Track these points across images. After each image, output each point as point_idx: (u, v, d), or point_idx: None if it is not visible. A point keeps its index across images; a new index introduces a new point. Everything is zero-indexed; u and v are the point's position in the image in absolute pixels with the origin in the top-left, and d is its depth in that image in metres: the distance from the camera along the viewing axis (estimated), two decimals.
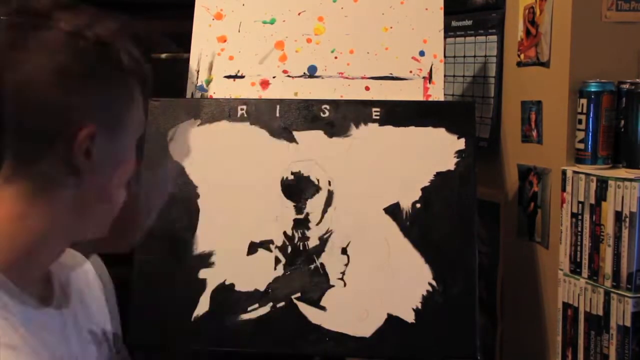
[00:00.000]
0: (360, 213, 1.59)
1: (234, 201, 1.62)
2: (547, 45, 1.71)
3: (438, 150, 1.62)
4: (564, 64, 1.66)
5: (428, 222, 1.58)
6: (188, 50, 1.78)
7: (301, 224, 1.59)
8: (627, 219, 1.48)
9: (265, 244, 1.59)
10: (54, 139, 0.85)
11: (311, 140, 1.63)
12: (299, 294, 1.56)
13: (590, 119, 1.60)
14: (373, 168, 1.61)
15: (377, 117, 1.64)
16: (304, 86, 1.75)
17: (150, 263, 1.58)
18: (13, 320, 0.83)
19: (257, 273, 1.57)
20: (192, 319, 1.55)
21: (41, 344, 0.86)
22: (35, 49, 0.85)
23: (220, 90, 1.76)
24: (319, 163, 1.62)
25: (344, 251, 1.59)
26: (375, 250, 1.59)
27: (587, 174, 1.57)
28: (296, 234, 1.58)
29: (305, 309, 1.55)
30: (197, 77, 1.77)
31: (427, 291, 1.56)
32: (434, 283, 1.56)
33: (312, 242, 1.59)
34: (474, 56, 1.98)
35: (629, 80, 1.60)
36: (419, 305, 1.54)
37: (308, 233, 1.58)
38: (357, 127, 1.64)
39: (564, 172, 1.63)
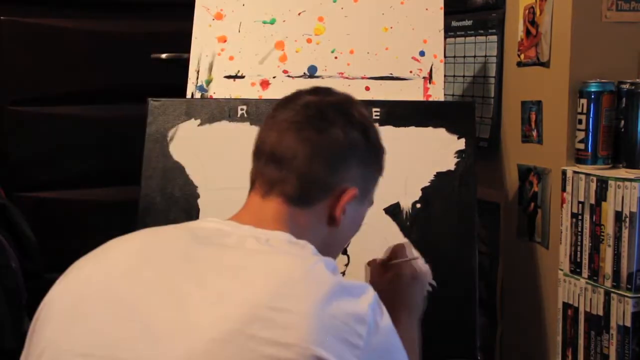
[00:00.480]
0: None
1: (234, 201, 1.61)
2: (547, 45, 1.71)
3: (438, 150, 1.62)
4: (564, 64, 1.66)
5: (428, 222, 1.58)
6: (188, 50, 1.78)
7: None
8: (627, 219, 1.48)
9: None
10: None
11: None
12: None
13: (590, 119, 1.60)
14: None
15: (377, 117, 1.64)
16: (304, 86, 1.72)
17: None
18: None
19: None
20: None
21: None
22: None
23: (220, 90, 1.76)
24: None
25: (344, 251, 1.59)
26: (375, 250, 1.59)
27: (587, 174, 1.57)
28: None
29: None
30: (197, 77, 1.77)
31: (427, 291, 1.56)
32: (434, 283, 1.56)
33: None
34: (474, 56, 1.98)
35: (629, 80, 1.60)
36: None
37: None
38: None
39: (564, 172, 1.63)
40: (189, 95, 1.76)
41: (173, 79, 1.82)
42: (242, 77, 1.77)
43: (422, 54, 1.75)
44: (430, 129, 1.63)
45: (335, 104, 1.13)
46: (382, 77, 1.75)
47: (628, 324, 1.49)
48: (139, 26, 2.18)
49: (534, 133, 1.78)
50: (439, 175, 1.61)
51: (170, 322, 0.90)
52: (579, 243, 1.59)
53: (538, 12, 1.74)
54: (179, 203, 1.61)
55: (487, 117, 1.94)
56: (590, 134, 1.61)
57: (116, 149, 2.15)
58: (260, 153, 1.11)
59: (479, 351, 1.55)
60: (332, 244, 1.13)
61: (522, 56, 1.81)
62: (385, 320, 0.97)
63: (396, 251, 1.35)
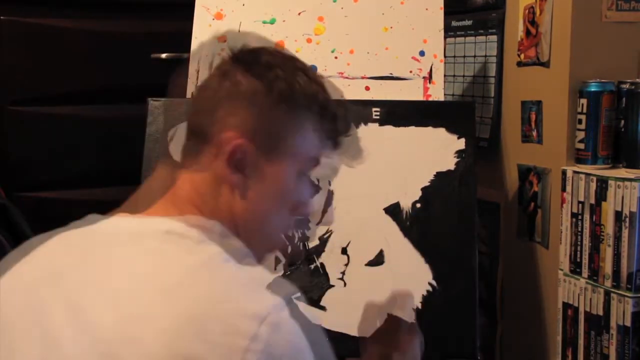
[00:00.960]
0: (360, 213, 1.59)
1: None
2: (547, 45, 1.71)
3: (438, 150, 1.62)
4: (564, 64, 1.66)
5: (428, 222, 1.58)
6: (188, 50, 1.78)
7: (301, 223, 1.59)
8: (627, 219, 1.48)
9: None
10: None
11: None
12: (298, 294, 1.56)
13: (590, 119, 1.60)
14: (373, 168, 1.61)
15: (377, 117, 1.64)
16: None
17: None
18: None
19: None
20: None
21: None
22: None
23: None
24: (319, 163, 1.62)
25: (344, 251, 1.59)
26: (376, 250, 1.59)
27: (587, 174, 1.57)
28: (296, 234, 1.58)
29: (305, 308, 1.54)
30: (197, 77, 1.77)
31: (427, 291, 1.56)
32: (434, 283, 1.56)
33: (312, 242, 1.59)
34: (474, 56, 1.98)
35: (629, 80, 1.60)
36: (419, 305, 1.54)
37: (308, 233, 1.58)
38: (357, 127, 1.64)
39: (564, 172, 1.63)
40: (188, 95, 1.76)
41: (173, 79, 1.82)
42: None
43: (422, 53, 1.75)
44: (430, 129, 1.63)
45: (241, 53, 1.04)
46: (382, 77, 1.75)
47: (628, 324, 1.49)
48: (139, 26, 2.18)
49: (534, 133, 1.78)
50: (439, 175, 1.61)
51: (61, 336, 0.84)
52: (579, 243, 1.59)
53: (538, 12, 1.74)
54: None
55: (487, 117, 1.94)
56: (590, 134, 1.60)
57: (116, 149, 2.15)
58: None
59: (479, 351, 1.55)
60: (249, 221, 0.96)
61: (522, 56, 1.81)
62: (292, 324, 0.86)
63: (400, 302, 1.29)
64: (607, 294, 1.52)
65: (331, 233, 1.59)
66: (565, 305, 1.63)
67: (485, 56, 1.94)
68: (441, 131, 1.63)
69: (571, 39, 1.64)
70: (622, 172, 1.56)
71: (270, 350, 0.81)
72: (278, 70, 0.99)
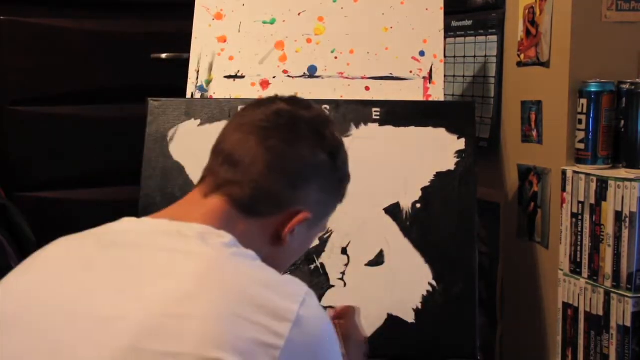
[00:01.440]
0: (360, 213, 1.59)
1: None
2: (547, 45, 1.71)
3: (438, 150, 1.62)
4: (564, 64, 1.66)
5: (428, 222, 1.59)
6: (188, 50, 1.78)
7: None
8: (627, 219, 1.48)
9: None
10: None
11: None
12: None
13: (590, 119, 1.60)
14: (373, 168, 1.61)
15: (377, 117, 1.64)
16: (304, 86, 1.75)
17: None
18: None
19: None
20: None
21: None
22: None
23: (220, 90, 1.76)
24: None
25: (344, 251, 1.59)
26: (376, 250, 1.59)
27: (587, 174, 1.57)
28: None
29: None
30: (197, 77, 1.77)
31: (427, 291, 1.56)
32: (434, 283, 1.56)
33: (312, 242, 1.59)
34: (474, 56, 1.98)
35: (629, 80, 1.60)
36: (419, 305, 1.55)
37: None
38: (357, 127, 1.64)
39: (564, 172, 1.63)
40: (188, 95, 1.76)
41: (173, 79, 1.82)
42: (242, 77, 1.77)
43: (422, 54, 1.75)
44: (430, 129, 1.63)
45: (309, 119, 1.05)
46: (382, 77, 1.75)
47: (628, 324, 1.49)
48: (139, 26, 2.18)
49: (534, 133, 1.78)
50: (439, 175, 1.61)
51: (67, 343, 0.87)
52: (579, 243, 1.59)
53: (538, 12, 1.74)
54: None
55: (487, 117, 1.94)
56: (590, 134, 1.61)
57: (116, 149, 2.15)
58: (219, 151, 1.05)
59: (479, 351, 1.55)
60: (272, 265, 1.01)
61: (522, 56, 1.81)
62: (321, 324, 0.92)
63: (345, 313, 1.31)
64: (607, 294, 1.52)
65: (331, 233, 1.59)
66: (565, 305, 1.63)
67: (485, 56, 1.95)
68: (441, 131, 1.63)
69: (571, 39, 1.64)
70: (622, 172, 1.56)
71: (309, 331, 0.88)
72: (342, 150, 1.09)
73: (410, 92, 1.73)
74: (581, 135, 1.62)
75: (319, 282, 1.57)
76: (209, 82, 1.77)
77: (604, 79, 1.60)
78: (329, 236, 1.59)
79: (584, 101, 1.61)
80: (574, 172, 1.61)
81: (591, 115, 1.60)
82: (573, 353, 1.61)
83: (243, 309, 0.86)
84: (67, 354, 0.87)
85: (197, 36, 1.79)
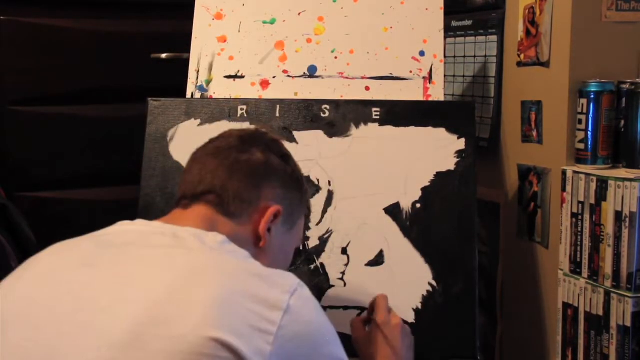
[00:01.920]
0: (360, 213, 1.59)
1: None
2: (547, 45, 1.71)
3: (438, 150, 1.62)
4: (564, 64, 1.66)
5: (428, 222, 1.59)
6: (188, 50, 1.78)
7: None
8: (627, 219, 1.48)
9: None
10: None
11: (311, 140, 1.63)
12: None
13: (590, 119, 1.60)
14: (373, 168, 1.61)
15: (377, 117, 1.64)
16: (304, 86, 1.75)
17: None
18: None
19: None
20: None
21: None
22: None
23: (220, 90, 1.76)
24: (319, 163, 1.62)
25: (344, 251, 1.59)
26: (376, 250, 1.59)
27: (587, 174, 1.57)
28: None
29: None
30: (197, 77, 1.77)
31: (427, 291, 1.56)
32: (434, 283, 1.56)
33: (312, 242, 1.59)
34: (474, 56, 1.98)
35: (629, 80, 1.60)
36: (419, 305, 1.55)
37: (308, 233, 1.58)
38: (357, 127, 1.64)
39: (564, 172, 1.63)
40: (188, 95, 1.76)
41: (173, 79, 1.82)
42: (242, 77, 1.77)
43: (422, 54, 1.75)
44: (430, 128, 1.63)
45: (255, 133, 1.21)
46: (382, 77, 1.75)
47: (628, 324, 1.49)
48: (139, 26, 2.18)
49: (534, 133, 1.78)
50: (439, 175, 1.61)
51: (70, 336, 0.91)
52: (578, 243, 1.59)
53: (538, 12, 1.74)
54: None
55: (487, 117, 1.94)
56: (590, 134, 1.61)
57: (116, 149, 2.15)
58: (187, 181, 1.17)
59: (479, 351, 1.55)
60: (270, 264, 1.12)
61: (522, 56, 1.81)
62: (312, 313, 0.98)
63: (377, 305, 1.38)
64: (607, 294, 1.52)
65: (331, 233, 1.59)
66: (565, 305, 1.63)
67: (485, 56, 1.95)
68: (441, 131, 1.63)
69: (571, 39, 1.64)
70: (622, 172, 1.56)
71: (300, 319, 0.95)
72: (292, 158, 1.23)
73: (410, 92, 1.73)
74: (581, 135, 1.62)
75: (319, 282, 1.57)
76: (209, 82, 1.77)
77: (604, 79, 1.60)
78: (329, 236, 1.59)
79: (584, 101, 1.61)
80: (574, 172, 1.61)
81: (591, 115, 1.60)
82: (573, 353, 1.61)
83: (239, 297, 0.92)
84: (68, 343, 0.90)
85: (197, 36, 1.79)
